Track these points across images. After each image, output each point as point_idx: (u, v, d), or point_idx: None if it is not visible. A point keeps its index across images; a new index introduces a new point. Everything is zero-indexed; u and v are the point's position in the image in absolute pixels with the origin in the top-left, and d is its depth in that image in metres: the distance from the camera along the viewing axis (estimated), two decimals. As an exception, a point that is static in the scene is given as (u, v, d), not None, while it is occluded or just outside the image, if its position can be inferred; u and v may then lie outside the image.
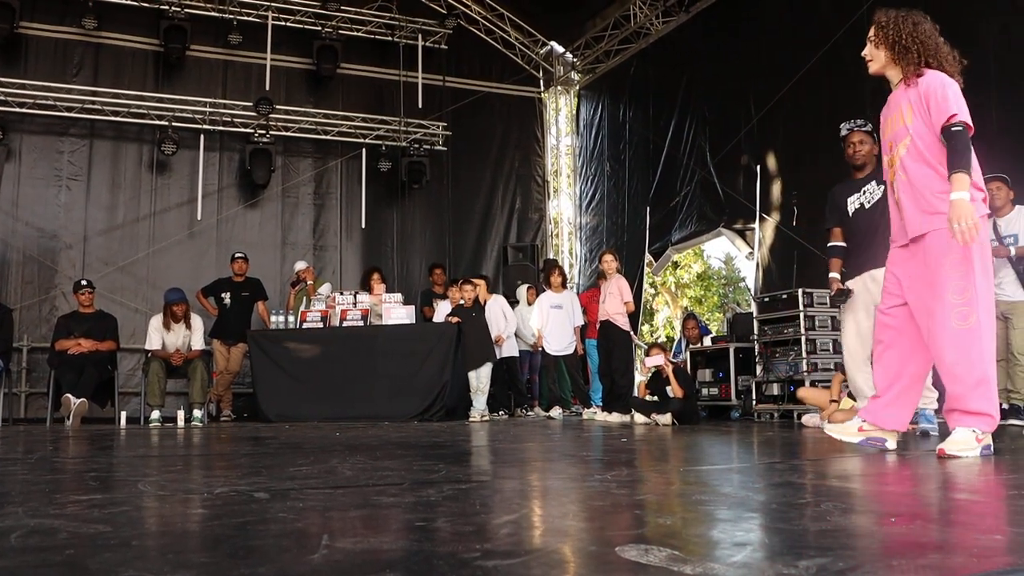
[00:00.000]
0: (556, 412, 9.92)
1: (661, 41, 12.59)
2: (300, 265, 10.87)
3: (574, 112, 14.81)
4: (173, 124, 11.70)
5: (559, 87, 14.83)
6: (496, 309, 9.79)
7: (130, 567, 1.37)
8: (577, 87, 14.75)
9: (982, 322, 3.53)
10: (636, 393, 8.61)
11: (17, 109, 11.29)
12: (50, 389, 8.97)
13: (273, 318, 9.63)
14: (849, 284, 5.55)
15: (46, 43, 11.82)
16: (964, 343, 3.53)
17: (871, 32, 3.90)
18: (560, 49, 14.60)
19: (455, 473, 3.11)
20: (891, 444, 3.93)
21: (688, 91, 11.87)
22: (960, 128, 3.55)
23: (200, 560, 1.48)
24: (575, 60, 14.45)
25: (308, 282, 10.59)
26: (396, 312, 9.28)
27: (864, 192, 5.49)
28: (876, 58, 3.89)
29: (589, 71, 14.35)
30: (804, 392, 7.08)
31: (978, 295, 3.54)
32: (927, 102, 3.67)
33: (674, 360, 6.29)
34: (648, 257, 12.43)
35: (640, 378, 9.17)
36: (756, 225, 10.41)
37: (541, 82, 14.75)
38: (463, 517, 1.92)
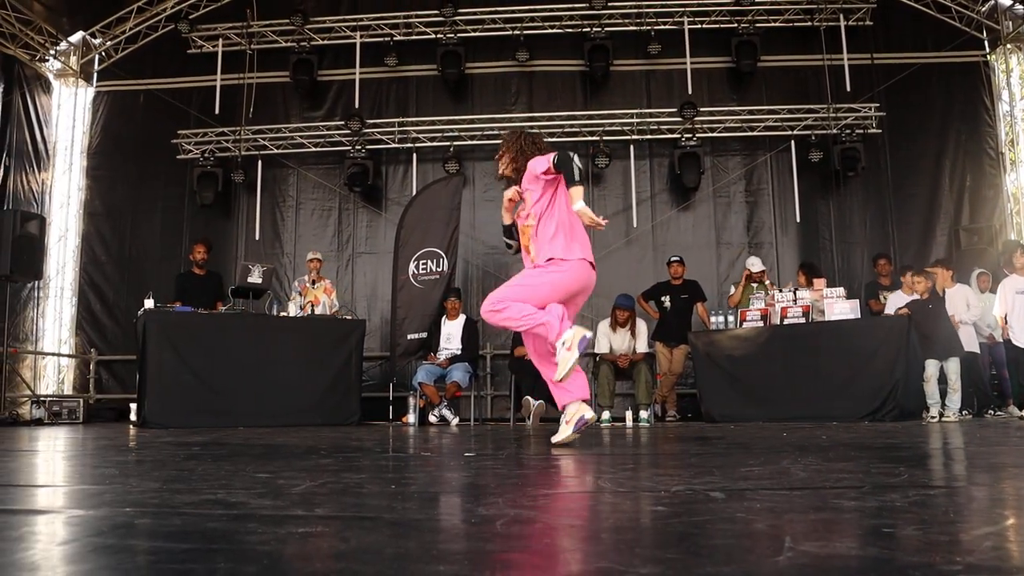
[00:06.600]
0: (1032, 411, 8.87)
1: None
2: (757, 265, 10.59)
3: (1031, 71, 13.19)
4: (604, 138, 12.30)
5: (1008, 46, 13.21)
6: (958, 298, 9.03)
7: (603, 559, 1.43)
8: (1032, 42, 13.11)
9: None
10: None
11: (468, 141, 12.60)
12: (511, 392, 9.86)
13: (712, 318, 9.66)
14: None
15: (487, 79, 13.12)
16: None
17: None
18: (1007, 1, 13.05)
19: (918, 477, 2.86)
20: None
21: None
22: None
23: (665, 556, 1.50)
24: (1028, 11, 12.85)
25: (765, 282, 10.42)
26: (839, 307, 8.88)
27: None
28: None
29: (1046, 21, 12.68)
30: None
31: None
32: None
33: None
34: None
35: None
36: None
37: (986, 43, 13.24)
38: (935, 525, 1.76)
